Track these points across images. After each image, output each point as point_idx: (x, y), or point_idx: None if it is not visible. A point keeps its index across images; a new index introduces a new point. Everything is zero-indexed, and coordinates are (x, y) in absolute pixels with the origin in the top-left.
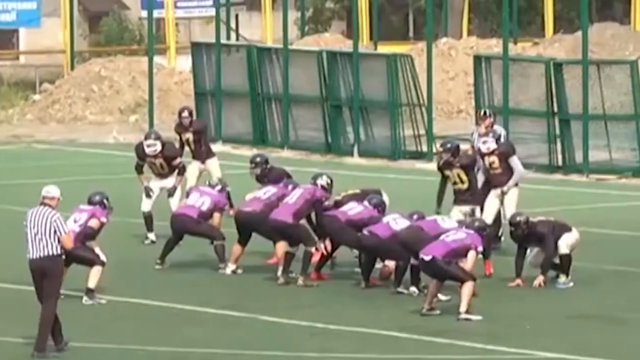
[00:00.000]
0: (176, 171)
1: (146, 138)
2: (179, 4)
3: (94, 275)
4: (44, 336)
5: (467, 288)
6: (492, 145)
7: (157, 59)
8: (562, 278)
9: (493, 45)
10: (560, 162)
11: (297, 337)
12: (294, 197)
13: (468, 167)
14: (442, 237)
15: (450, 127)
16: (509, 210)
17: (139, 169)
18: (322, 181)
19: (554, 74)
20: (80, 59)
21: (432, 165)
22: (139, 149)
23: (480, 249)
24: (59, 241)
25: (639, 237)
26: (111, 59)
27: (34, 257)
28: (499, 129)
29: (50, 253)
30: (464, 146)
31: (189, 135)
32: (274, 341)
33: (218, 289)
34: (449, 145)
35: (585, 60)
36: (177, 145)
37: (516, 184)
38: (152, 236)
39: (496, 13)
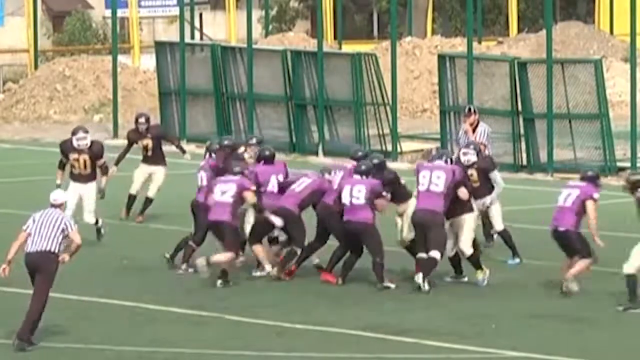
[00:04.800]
0: (96, 177)
1: (75, 132)
2: (142, 3)
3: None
4: (27, 327)
5: (585, 263)
6: (472, 158)
7: (121, 58)
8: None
9: (457, 44)
10: (524, 161)
11: (263, 337)
12: (301, 185)
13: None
14: (562, 202)
15: (415, 126)
16: (496, 221)
17: (61, 166)
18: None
19: (518, 73)
20: (44, 58)
21: (397, 164)
22: (66, 144)
23: (596, 196)
24: (61, 240)
25: (603, 236)
26: (75, 58)
27: (31, 250)
28: (483, 125)
29: (47, 249)
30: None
31: (148, 142)
32: (239, 340)
33: (183, 288)
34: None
35: (549, 60)
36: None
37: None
38: None
39: (460, 12)
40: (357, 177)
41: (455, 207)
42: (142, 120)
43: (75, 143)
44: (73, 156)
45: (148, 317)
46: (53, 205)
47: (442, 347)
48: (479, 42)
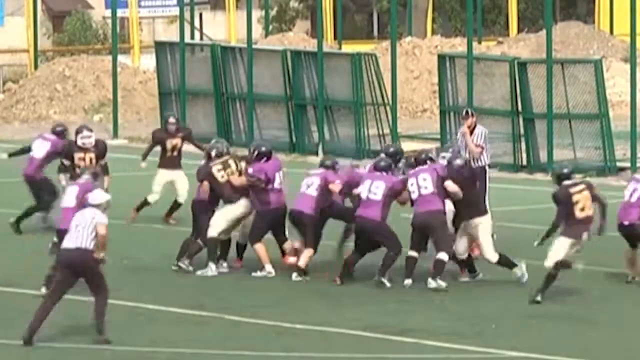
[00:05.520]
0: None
1: (80, 131)
2: (142, 3)
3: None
4: (101, 324)
5: None
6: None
7: (121, 58)
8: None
9: (457, 45)
10: (524, 161)
11: (263, 337)
12: (313, 186)
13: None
14: (627, 198)
15: (415, 126)
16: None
17: (62, 170)
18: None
19: (518, 73)
20: (44, 58)
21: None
22: (70, 144)
23: None
24: (94, 237)
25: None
26: (75, 58)
27: (67, 246)
28: (480, 128)
29: (83, 246)
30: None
31: (177, 142)
32: (239, 340)
33: (183, 288)
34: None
35: (549, 60)
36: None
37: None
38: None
39: (460, 12)
40: (377, 173)
41: (466, 209)
42: (172, 120)
43: (80, 142)
44: (78, 155)
45: (148, 317)
46: (91, 205)
47: (442, 347)
48: (479, 42)
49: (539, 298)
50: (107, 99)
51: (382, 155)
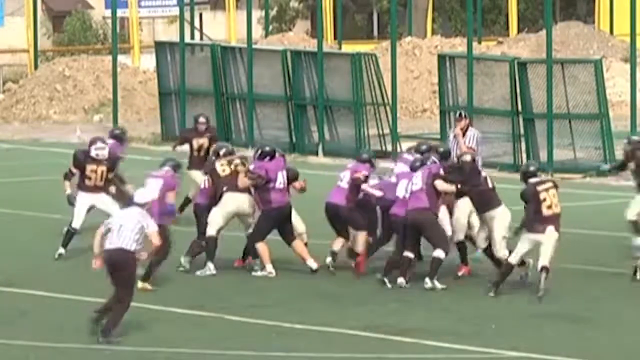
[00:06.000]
0: (108, 187)
1: (94, 142)
2: (142, 3)
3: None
4: (113, 323)
5: None
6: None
7: (121, 58)
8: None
9: (457, 44)
10: (524, 161)
11: (263, 337)
12: (345, 179)
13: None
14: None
15: (415, 126)
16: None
17: (68, 176)
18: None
19: (518, 73)
20: (44, 58)
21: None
22: (82, 154)
23: None
24: (139, 239)
25: (602, 236)
26: (75, 58)
27: (110, 247)
28: (472, 130)
29: (125, 247)
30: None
31: (205, 142)
32: (239, 340)
33: (183, 288)
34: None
35: (549, 60)
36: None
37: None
38: (62, 250)
39: (460, 12)
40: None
41: (480, 202)
42: (202, 120)
43: (93, 153)
44: (90, 167)
45: (148, 317)
46: (136, 204)
47: (442, 347)
48: (479, 42)
49: (492, 294)
50: (107, 99)
51: (417, 155)
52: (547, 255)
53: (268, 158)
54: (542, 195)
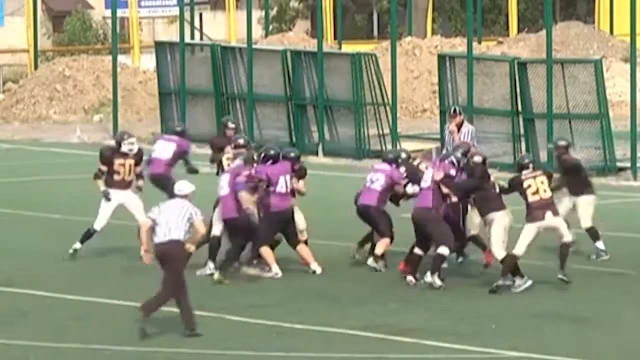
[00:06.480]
0: (134, 182)
1: (124, 138)
2: (142, 3)
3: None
4: (151, 307)
5: None
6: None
7: (121, 58)
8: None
9: (457, 44)
10: None
11: (263, 337)
12: (378, 182)
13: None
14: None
15: (415, 126)
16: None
17: (98, 175)
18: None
19: (518, 73)
20: (44, 58)
21: None
22: (109, 150)
23: None
24: (187, 229)
25: (602, 236)
26: (75, 58)
27: (160, 241)
28: (468, 126)
29: (174, 238)
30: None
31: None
32: (239, 340)
33: None
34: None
35: (549, 60)
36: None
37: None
38: (78, 245)
39: (460, 12)
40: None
41: (483, 205)
42: (232, 125)
43: (126, 148)
44: (119, 161)
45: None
46: (178, 196)
47: (442, 347)
48: (479, 42)
49: (501, 282)
50: (107, 99)
51: (457, 154)
52: (566, 231)
53: (271, 161)
54: (526, 183)
